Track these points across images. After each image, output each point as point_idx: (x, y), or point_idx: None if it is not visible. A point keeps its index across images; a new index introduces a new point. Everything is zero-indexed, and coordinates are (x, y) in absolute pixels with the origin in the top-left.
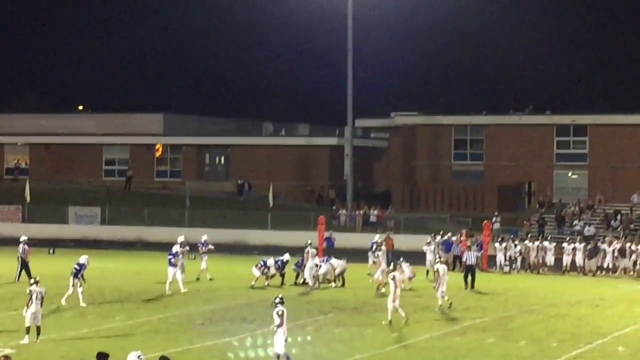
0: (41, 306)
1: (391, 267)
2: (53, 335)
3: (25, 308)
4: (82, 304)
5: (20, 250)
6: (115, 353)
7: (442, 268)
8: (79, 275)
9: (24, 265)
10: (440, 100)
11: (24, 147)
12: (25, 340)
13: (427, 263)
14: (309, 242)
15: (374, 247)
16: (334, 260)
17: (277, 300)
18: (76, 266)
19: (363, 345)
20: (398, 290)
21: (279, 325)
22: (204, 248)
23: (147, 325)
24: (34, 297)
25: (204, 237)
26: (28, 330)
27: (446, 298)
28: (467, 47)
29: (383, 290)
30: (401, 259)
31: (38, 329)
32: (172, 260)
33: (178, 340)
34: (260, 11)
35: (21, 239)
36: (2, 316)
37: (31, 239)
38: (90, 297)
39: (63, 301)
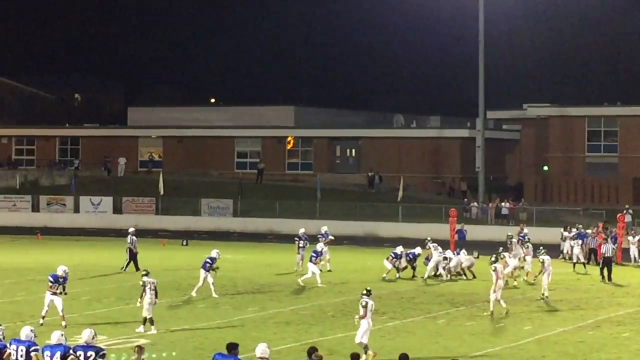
0: (156, 297)
1: (493, 258)
2: (186, 326)
3: (139, 299)
4: (214, 295)
5: (129, 241)
6: (247, 344)
7: (547, 259)
8: (208, 268)
9: (133, 257)
10: (573, 91)
11: (157, 140)
12: (140, 329)
13: (574, 257)
14: (429, 238)
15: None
16: (462, 255)
17: (364, 292)
18: (208, 260)
19: (495, 338)
20: (500, 282)
21: (363, 316)
22: (324, 239)
23: (279, 316)
24: (147, 288)
25: (324, 229)
26: (145, 320)
27: (543, 291)
28: (600, 37)
29: (515, 283)
30: (500, 249)
31: (150, 319)
32: (314, 259)
33: (309, 331)
34: (392, 3)
35: (129, 230)
36: (136, 307)
37: (165, 230)
38: (222, 289)
39: (193, 293)
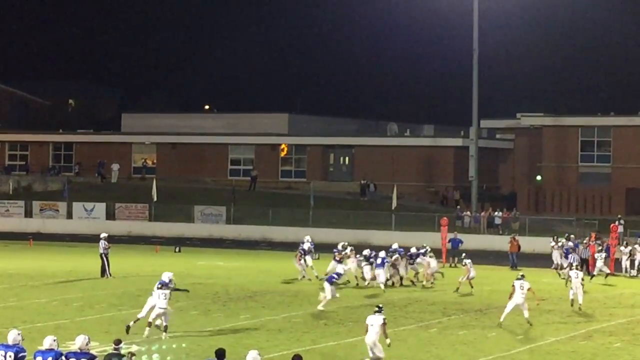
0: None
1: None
2: (178, 333)
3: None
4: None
5: (102, 246)
6: (239, 351)
7: (573, 274)
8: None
9: (106, 261)
10: (567, 101)
11: (151, 147)
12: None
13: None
14: (425, 245)
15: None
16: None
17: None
18: (158, 284)
19: (487, 347)
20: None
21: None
22: (340, 254)
23: (271, 324)
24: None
25: (343, 244)
26: (150, 324)
27: (573, 303)
28: (594, 47)
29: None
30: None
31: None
32: (334, 280)
33: (302, 339)
34: (386, 12)
35: (101, 235)
36: (128, 313)
37: (158, 237)
38: (215, 296)
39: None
